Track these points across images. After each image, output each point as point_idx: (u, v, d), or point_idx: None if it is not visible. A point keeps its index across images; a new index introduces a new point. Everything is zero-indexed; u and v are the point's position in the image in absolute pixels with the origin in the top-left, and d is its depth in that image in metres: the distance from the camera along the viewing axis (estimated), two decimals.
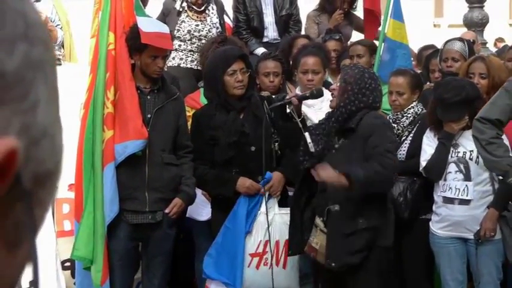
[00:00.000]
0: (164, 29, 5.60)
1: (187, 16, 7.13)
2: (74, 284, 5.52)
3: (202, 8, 7.14)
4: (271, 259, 5.16)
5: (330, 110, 4.95)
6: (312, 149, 4.78)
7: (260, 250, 5.15)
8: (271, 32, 7.66)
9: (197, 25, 7.11)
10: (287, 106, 5.02)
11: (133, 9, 5.46)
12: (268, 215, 5.16)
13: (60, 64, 7.02)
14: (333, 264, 4.69)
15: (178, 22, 7.06)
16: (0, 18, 0.65)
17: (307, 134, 4.80)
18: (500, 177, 5.06)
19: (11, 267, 0.68)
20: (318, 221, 4.84)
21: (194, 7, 7.10)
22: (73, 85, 5.54)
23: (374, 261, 4.74)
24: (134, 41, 5.22)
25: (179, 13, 7.07)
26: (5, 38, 0.65)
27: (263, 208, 5.18)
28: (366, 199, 4.65)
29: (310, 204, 4.94)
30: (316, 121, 5.22)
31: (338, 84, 4.87)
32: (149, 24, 5.41)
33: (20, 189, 0.65)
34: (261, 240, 5.15)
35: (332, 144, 4.81)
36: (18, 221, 0.66)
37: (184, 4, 7.10)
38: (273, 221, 5.19)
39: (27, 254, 0.68)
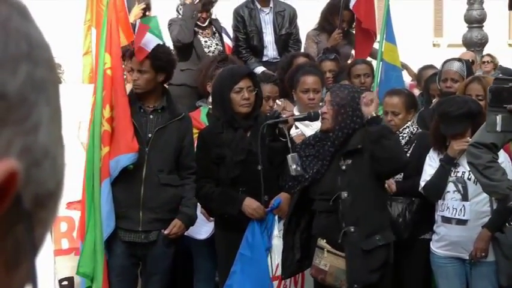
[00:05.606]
0: (150, 45, 5.30)
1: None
2: None
3: (206, 24, 7.26)
4: (290, 281, 5.15)
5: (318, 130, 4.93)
6: (293, 173, 4.72)
7: (279, 273, 5.09)
8: (270, 51, 7.68)
9: (206, 41, 7.31)
10: (279, 124, 4.99)
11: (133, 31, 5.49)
12: (281, 237, 5.10)
13: (60, 82, 7.05)
14: (356, 285, 4.64)
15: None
16: (3, 39, 0.65)
17: (289, 157, 4.74)
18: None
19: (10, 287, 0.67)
20: (322, 242, 4.79)
21: (199, 23, 7.25)
22: (71, 103, 5.54)
23: (385, 279, 4.75)
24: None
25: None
26: (8, 58, 0.65)
27: (276, 231, 5.13)
28: (379, 216, 4.74)
29: (300, 225, 4.91)
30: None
31: (328, 107, 4.80)
32: (152, 44, 5.32)
33: (20, 211, 0.65)
34: (278, 263, 5.08)
35: (339, 165, 4.75)
36: (18, 242, 0.66)
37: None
38: None
39: (26, 275, 0.68)
